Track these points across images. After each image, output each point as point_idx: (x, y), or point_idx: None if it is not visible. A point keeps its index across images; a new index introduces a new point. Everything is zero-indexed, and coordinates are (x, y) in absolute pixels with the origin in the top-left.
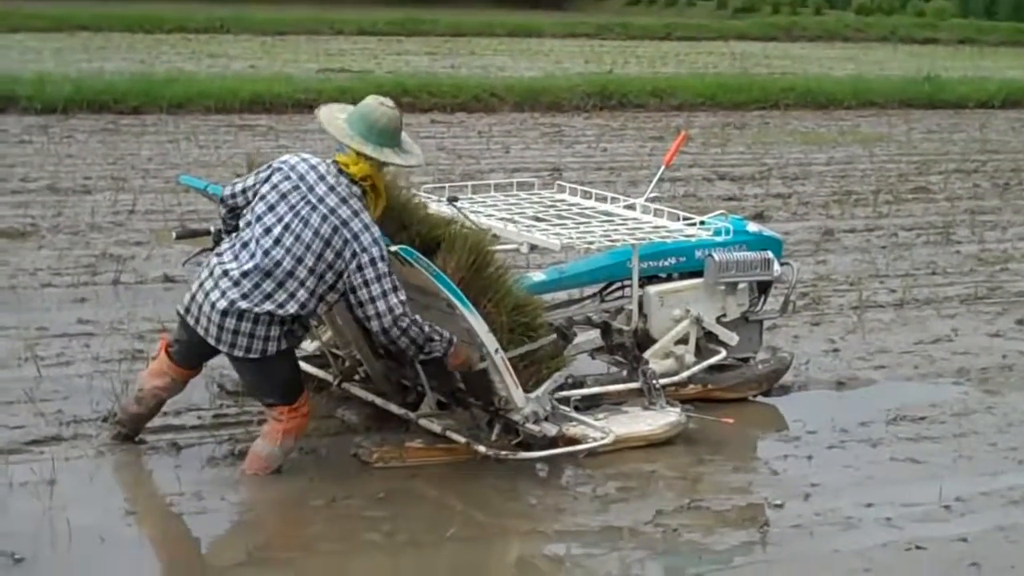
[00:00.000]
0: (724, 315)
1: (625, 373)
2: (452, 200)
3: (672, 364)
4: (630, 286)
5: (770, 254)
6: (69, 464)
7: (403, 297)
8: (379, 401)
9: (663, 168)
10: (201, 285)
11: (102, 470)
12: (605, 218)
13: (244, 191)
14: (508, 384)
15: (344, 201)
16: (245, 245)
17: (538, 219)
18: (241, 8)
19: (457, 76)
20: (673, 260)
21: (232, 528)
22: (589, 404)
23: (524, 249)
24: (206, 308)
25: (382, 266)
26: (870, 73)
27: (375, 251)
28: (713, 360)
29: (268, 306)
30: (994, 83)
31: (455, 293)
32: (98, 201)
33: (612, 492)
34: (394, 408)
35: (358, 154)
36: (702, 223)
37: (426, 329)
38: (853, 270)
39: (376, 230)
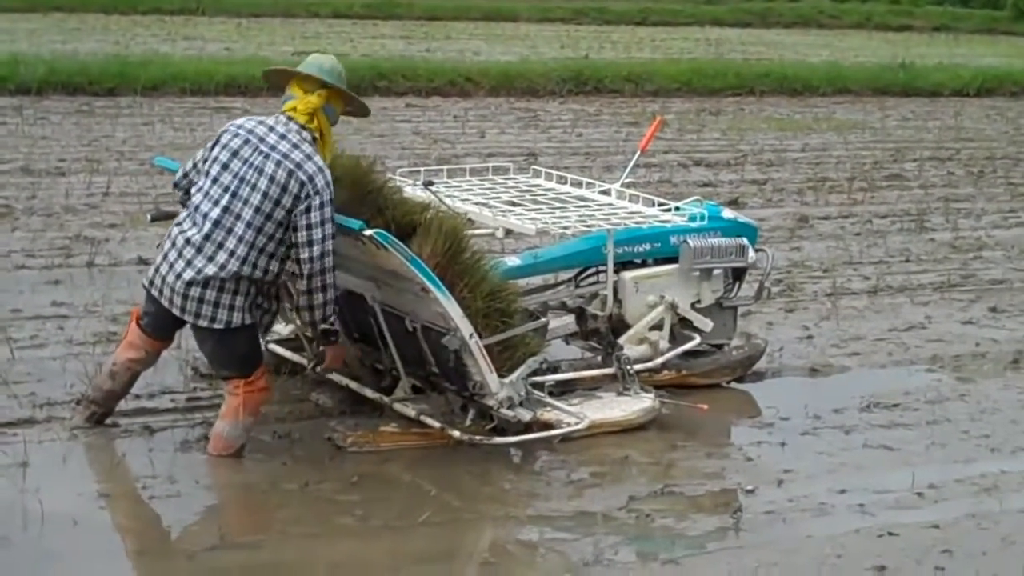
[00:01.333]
0: (699, 301)
1: (600, 358)
2: (427, 184)
3: (647, 350)
4: (605, 271)
5: (745, 241)
6: (42, 447)
7: (331, 246)
8: (354, 385)
9: (638, 153)
10: (165, 257)
11: (75, 453)
12: (580, 203)
13: (195, 166)
14: (483, 369)
15: (296, 146)
16: (201, 208)
17: (513, 204)
18: None
19: (432, 60)
20: (648, 246)
21: (205, 512)
22: (563, 389)
23: (499, 234)
24: (170, 279)
25: (328, 211)
26: (845, 60)
27: (326, 195)
28: (688, 346)
29: (234, 266)
30: (969, 71)
31: (430, 278)
32: (72, 183)
33: (585, 477)
34: (369, 392)
35: (305, 91)
36: (677, 209)
37: (332, 294)
38: (827, 257)
39: (328, 173)
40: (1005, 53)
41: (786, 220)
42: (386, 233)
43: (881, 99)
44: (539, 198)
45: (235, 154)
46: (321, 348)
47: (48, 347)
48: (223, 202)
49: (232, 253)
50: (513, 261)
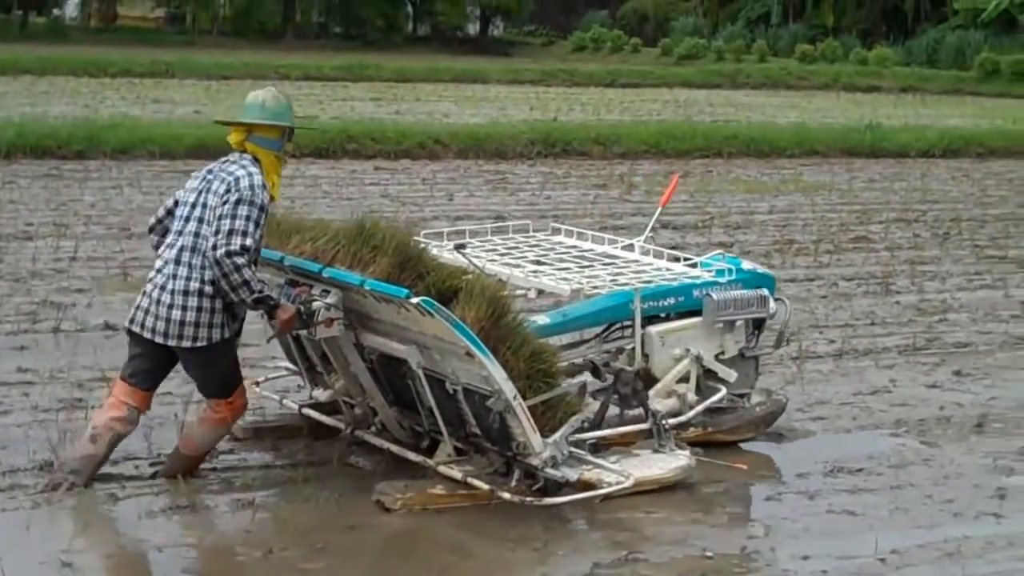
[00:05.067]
0: (722, 352)
1: (631, 413)
2: (459, 247)
3: (675, 403)
4: (630, 327)
5: (765, 291)
6: (5, 514)
7: (246, 242)
8: (395, 449)
9: (659, 209)
10: (145, 293)
11: (39, 520)
12: (607, 261)
13: (168, 210)
14: (527, 429)
15: (236, 163)
16: (172, 242)
17: (539, 263)
18: (187, 52)
19: (402, 122)
20: (672, 300)
21: None
22: (597, 447)
23: (532, 295)
24: (152, 308)
25: (245, 209)
26: (813, 121)
27: (247, 193)
28: (715, 398)
29: (197, 275)
30: (935, 132)
31: (475, 342)
32: (39, 247)
33: (550, 544)
34: (411, 456)
35: (235, 130)
36: (703, 264)
37: (247, 272)
38: (793, 320)
39: (258, 180)
40: (971, 114)
41: None
42: (432, 300)
43: (848, 160)
44: (564, 256)
45: (195, 190)
46: (272, 321)
47: (12, 414)
48: (186, 229)
49: (192, 266)
50: (542, 320)
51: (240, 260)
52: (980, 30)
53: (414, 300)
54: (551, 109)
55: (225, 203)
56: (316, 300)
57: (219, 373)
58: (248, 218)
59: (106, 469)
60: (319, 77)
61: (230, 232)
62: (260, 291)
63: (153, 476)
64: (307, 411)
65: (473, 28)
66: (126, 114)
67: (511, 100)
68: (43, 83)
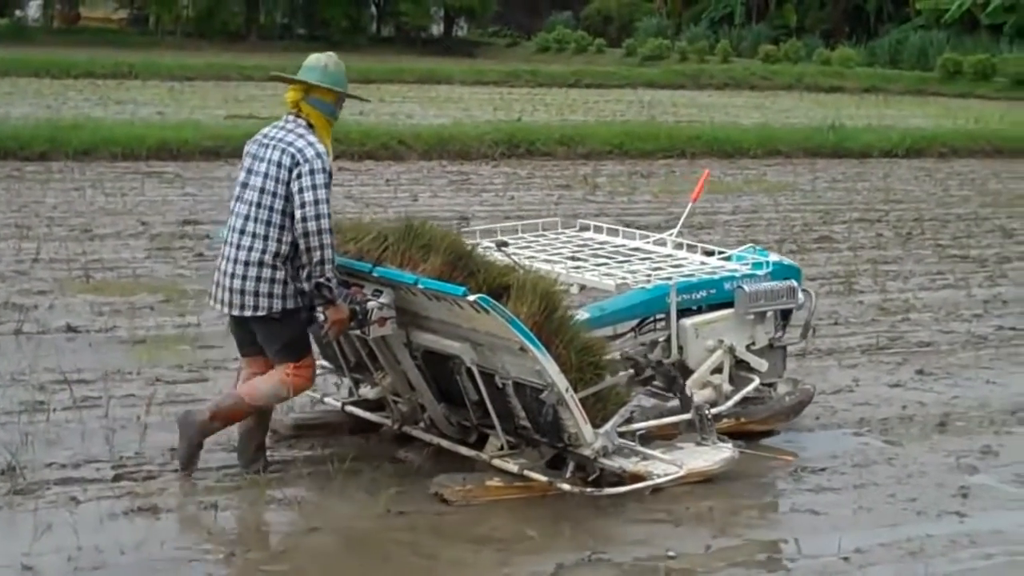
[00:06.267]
0: (753, 343)
1: (669, 405)
2: (502, 245)
3: (711, 394)
4: (663, 320)
5: (794, 283)
6: None
7: (329, 211)
8: (445, 444)
9: (690, 205)
10: (219, 269)
11: None
12: (643, 256)
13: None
14: (578, 420)
15: (291, 132)
16: (237, 213)
17: (575, 259)
18: (150, 53)
19: (365, 123)
20: (704, 293)
21: None
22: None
23: (574, 290)
24: (224, 281)
25: (319, 179)
26: (776, 121)
27: (316, 164)
28: (750, 387)
29: (259, 245)
30: (898, 132)
31: (529, 337)
32: (1, 249)
33: (513, 544)
34: (463, 450)
35: (293, 89)
36: (736, 257)
37: (328, 254)
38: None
39: (321, 147)
40: (934, 114)
41: None
42: (488, 298)
43: (811, 161)
44: (599, 252)
45: (253, 157)
46: (324, 315)
47: None
48: (247, 198)
49: (255, 235)
50: (582, 314)
51: (327, 238)
52: (943, 30)
53: (471, 298)
54: (515, 110)
55: (299, 176)
56: (370, 300)
57: (286, 341)
58: (326, 186)
59: (68, 473)
60: (282, 78)
61: (316, 202)
62: (329, 278)
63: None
64: (351, 408)
65: (437, 29)
66: (88, 115)
67: (475, 101)
68: (5, 84)
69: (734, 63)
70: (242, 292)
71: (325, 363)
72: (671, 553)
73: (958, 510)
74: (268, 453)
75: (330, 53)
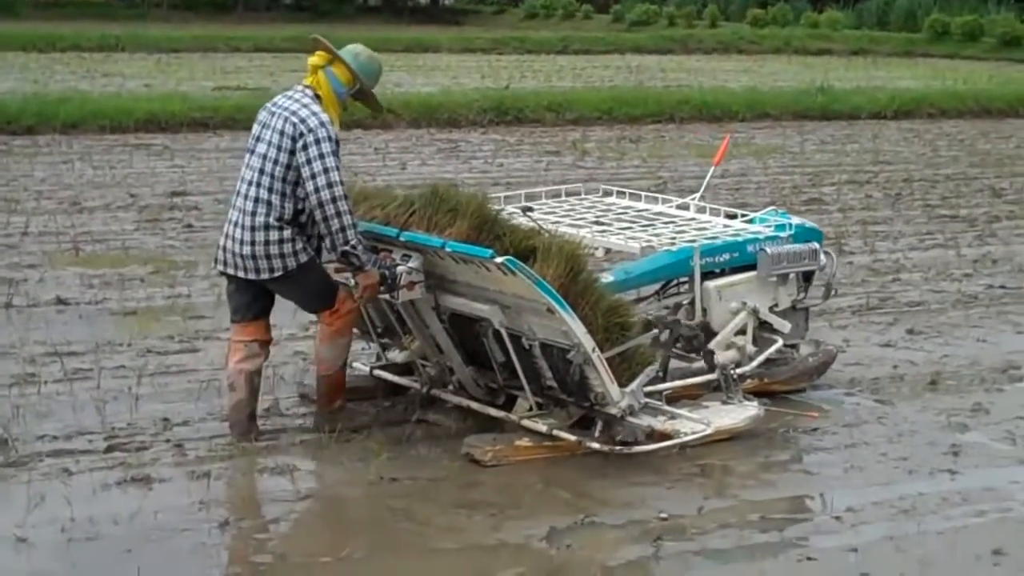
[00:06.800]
0: (776, 305)
1: (694, 366)
2: (527, 210)
3: (735, 355)
4: (687, 283)
5: (816, 245)
6: None
7: (341, 178)
8: (475, 405)
9: (712, 169)
10: (226, 234)
11: None
12: (667, 220)
13: None
14: (604, 380)
15: (297, 101)
16: (244, 178)
17: (599, 223)
18: (136, 26)
19: None
20: (727, 256)
21: (123, 555)
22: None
23: (599, 254)
24: (232, 246)
25: (325, 147)
26: (765, 85)
27: (321, 133)
28: (773, 348)
29: (263, 210)
30: (886, 93)
31: (556, 299)
32: None
33: (506, 509)
34: (492, 411)
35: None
36: (759, 219)
37: (347, 220)
38: None
39: (324, 116)
40: (922, 75)
41: None
42: (515, 260)
43: (800, 123)
44: (622, 217)
45: (261, 125)
46: (355, 280)
47: None
48: (253, 165)
49: (259, 200)
50: (607, 277)
51: (343, 205)
52: None
53: (498, 260)
54: (503, 77)
55: (305, 147)
56: (399, 264)
57: (312, 292)
58: (334, 154)
59: (60, 444)
60: (270, 48)
61: (325, 171)
62: (354, 245)
63: (322, 414)
64: (379, 373)
65: None
66: (76, 88)
67: (463, 68)
68: None
69: (722, 27)
70: (254, 257)
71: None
72: (663, 515)
73: (950, 468)
74: (260, 423)
75: (372, 52)
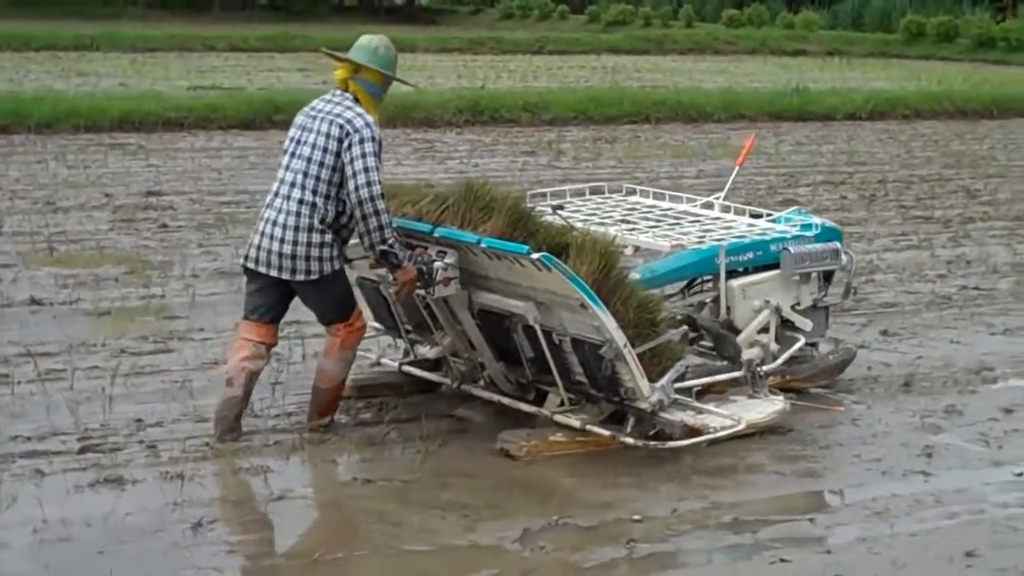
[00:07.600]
0: (798, 303)
1: (719, 363)
2: (557, 208)
3: (758, 352)
4: (710, 281)
5: (837, 244)
6: None
7: (380, 178)
8: (506, 401)
9: (736, 169)
10: (260, 232)
11: None
12: (693, 219)
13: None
14: (635, 375)
15: (339, 104)
16: (284, 179)
17: (626, 222)
18: (111, 25)
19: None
20: (751, 255)
21: (96, 556)
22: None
23: (628, 252)
24: (268, 244)
25: (369, 147)
26: (740, 85)
27: (365, 133)
28: (796, 346)
29: (306, 212)
30: (861, 94)
31: (589, 294)
32: None
33: (480, 510)
34: (524, 407)
35: (343, 67)
36: (783, 219)
37: (385, 219)
38: None
39: (369, 117)
40: (897, 76)
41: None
42: (551, 256)
43: (775, 124)
44: (648, 216)
45: (301, 128)
46: (393, 278)
47: None
48: (295, 167)
49: (303, 202)
50: (634, 275)
51: (381, 204)
52: None
53: (534, 256)
54: (479, 77)
55: (350, 147)
56: (436, 260)
57: (336, 300)
58: (376, 155)
59: (33, 446)
60: (244, 48)
61: (366, 170)
62: (392, 244)
63: (308, 426)
64: (408, 368)
65: None
66: (50, 88)
67: (439, 68)
68: None
69: (698, 28)
70: (294, 257)
71: (376, 325)
72: (637, 516)
73: (923, 469)
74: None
75: (382, 36)
